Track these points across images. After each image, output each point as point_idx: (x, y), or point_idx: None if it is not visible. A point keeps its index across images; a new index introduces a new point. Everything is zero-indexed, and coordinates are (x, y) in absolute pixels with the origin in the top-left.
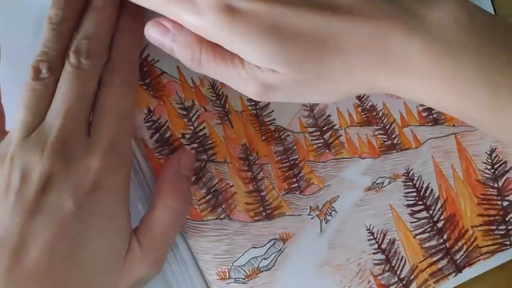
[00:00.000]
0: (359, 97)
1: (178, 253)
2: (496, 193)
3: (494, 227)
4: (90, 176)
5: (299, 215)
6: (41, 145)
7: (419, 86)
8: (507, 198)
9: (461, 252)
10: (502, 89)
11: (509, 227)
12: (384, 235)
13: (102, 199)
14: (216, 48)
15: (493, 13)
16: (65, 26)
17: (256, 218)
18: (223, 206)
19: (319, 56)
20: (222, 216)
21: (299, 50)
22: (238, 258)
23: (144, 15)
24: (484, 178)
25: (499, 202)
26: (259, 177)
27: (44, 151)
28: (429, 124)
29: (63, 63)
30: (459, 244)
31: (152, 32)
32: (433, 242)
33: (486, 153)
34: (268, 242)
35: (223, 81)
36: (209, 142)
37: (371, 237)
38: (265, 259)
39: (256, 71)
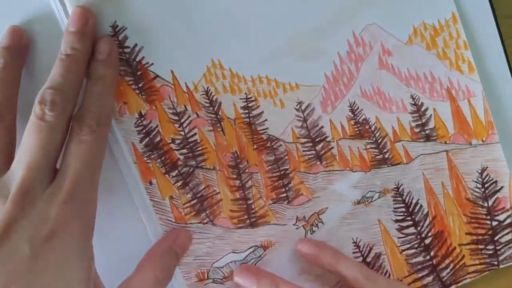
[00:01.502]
0: (352, 110)
1: None
2: (485, 213)
3: (482, 247)
4: (48, 224)
5: (284, 224)
6: (4, 195)
7: None
8: (496, 218)
9: (448, 270)
10: None
11: (498, 247)
12: (370, 249)
13: (57, 247)
14: None
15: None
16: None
17: (239, 225)
18: (207, 212)
19: None
20: (205, 221)
21: None
22: (218, 261)
23: (117, 61)
24: (474, 196)
25: (488, 222)
26: (247, 186)
27: (7, 200)
28: (421, 140)
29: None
30: (446, 261)
31: None
32: (420, 258)
33: (477, 171)
34: (249, 248)
35: None
36: (199, 148)
37: (357, 250)
38: (243, 263)
39: None
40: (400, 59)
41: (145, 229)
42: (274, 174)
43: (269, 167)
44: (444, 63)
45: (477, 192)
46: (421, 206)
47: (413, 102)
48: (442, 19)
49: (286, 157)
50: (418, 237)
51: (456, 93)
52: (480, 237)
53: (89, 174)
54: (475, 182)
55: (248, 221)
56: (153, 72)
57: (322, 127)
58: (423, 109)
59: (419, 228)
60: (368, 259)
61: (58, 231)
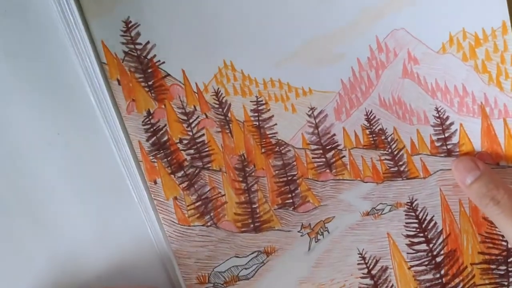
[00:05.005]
0: (368, 119)
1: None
2: (502, 233)
3: (494, 266)
4: None
5: (288, 231)
6: None
7: None
8: None
9: None
10: None
11: (510, 268)
12: (377, 262)
13: None
14: None
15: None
16: None
17: (243, 229)
18: (211, 214)
19: None
20: (209, 224)
21: None
22: (219, 265)
23: None
24: None
25: (504, 243)
26: (253, 189)
27: None
28: (442, 155)
29: None
30: (456, 280)
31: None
32: (429, 276)
33: None
34: (252, 253)
35: None
36: (207, 149)
37: (362, 261)
38: (245, 269)
39: None
40: (428, 68)
41: (146, 229)
42: (281, 179)
43: (276, 171)
44: (481, 77)
45: None
46: (435, 223)
47: (437, 115)
48: (488, 27)
49: (294, 163)
50: (430, 254)
51: (491, 111)
52: (493, 257)
53: None
54: None
55: (252, 225)
56: (164, 70)
57: (334, 134)
58: (447, 123)
59: (431, 246)
60: (373, 272)
61: None
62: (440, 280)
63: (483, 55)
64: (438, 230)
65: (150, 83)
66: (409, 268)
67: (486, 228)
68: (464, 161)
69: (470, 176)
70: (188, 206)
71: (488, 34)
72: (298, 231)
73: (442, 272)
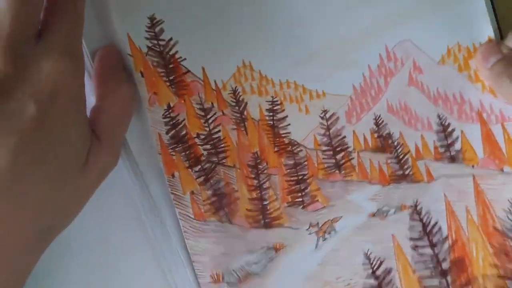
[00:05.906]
0: (376, 123)
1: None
2: None
3: (510, 282)
4: (48, 81)
5: (297, 228)
6: None
7: None
8: None
9: None
10: None
11: None
12: (381, 263)
13: (62, 104)
14: None
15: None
16: None
17: (254, 225)
18: (226, 210)
19: None
20: (223, 219)
21: None
22: (233, 262)
23: None
24: (504, 227)
25: None
26: (264, 186)
27: None
28: (446, 161)
29: None
30: None
31: None
32: (435, 282)
33: (509, 201)
34: (261, 248)
35: None
36: (222, 145)
37: (367, 262)
38: (255, 263)
39: None
40: (431, 78)
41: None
42: (291, 178)
43: (288, 170)
44: (475, 86)
45: (508, 223)
46: (440, 228)
47: (439, 122)
48: (477, 42)
49: (306, 163)
50: (435, 259)
51: (488, 117)
52: (510, 273)
53: (78, 26)
54: (506, 212)
55: (262, 221)
56: (185, 67)
57: (344, 137)
58: (449, 129)
59: (436, 251)
60: (378, 273)
61: (59, 87)
62: None
63: (475, 66)
64: (444, 236)
65: (171, 78)
66: (414, 272)
67: (498, 239)
68: (489, 45)
69: (492, 58)
70: (204, 201)
71: (477, 47)
72: (306, 229)
73: (449, 279)
